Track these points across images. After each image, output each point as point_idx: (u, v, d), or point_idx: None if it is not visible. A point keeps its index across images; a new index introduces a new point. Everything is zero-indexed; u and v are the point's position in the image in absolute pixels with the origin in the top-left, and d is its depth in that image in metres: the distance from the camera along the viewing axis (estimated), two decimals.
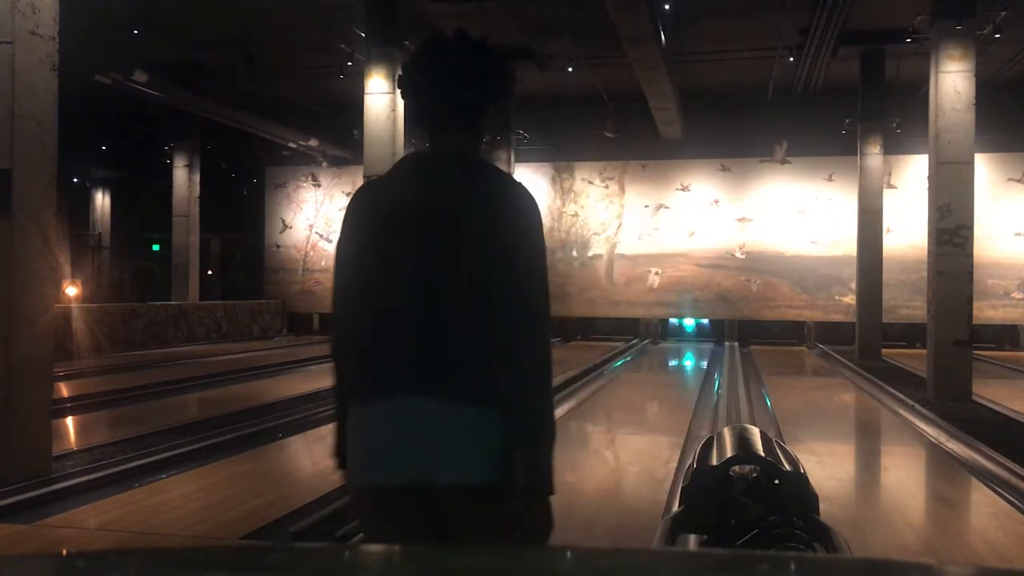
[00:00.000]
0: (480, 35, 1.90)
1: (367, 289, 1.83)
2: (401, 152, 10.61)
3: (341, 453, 1.89)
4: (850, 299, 16.40)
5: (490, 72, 1.88)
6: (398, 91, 1.95)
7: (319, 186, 19.86)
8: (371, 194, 1.95)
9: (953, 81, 8.92)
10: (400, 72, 1.95)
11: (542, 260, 1.81)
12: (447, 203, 1.80)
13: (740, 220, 17.79)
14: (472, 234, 1.76)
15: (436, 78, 1.86)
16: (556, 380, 10.43)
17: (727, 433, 2.85)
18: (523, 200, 1.80)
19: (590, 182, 18.30)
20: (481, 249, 1.75)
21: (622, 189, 18.24)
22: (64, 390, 9.04)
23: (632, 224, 18.19)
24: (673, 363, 15.30)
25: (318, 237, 19.84)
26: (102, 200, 22.60)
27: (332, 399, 1.96)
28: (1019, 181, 16.71)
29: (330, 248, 19.60)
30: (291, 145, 18.09)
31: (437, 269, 1.77)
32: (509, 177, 1.89)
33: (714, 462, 2.53)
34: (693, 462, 2.69)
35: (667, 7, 12.11)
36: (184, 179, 17.76)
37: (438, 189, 1.83)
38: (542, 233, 1.82)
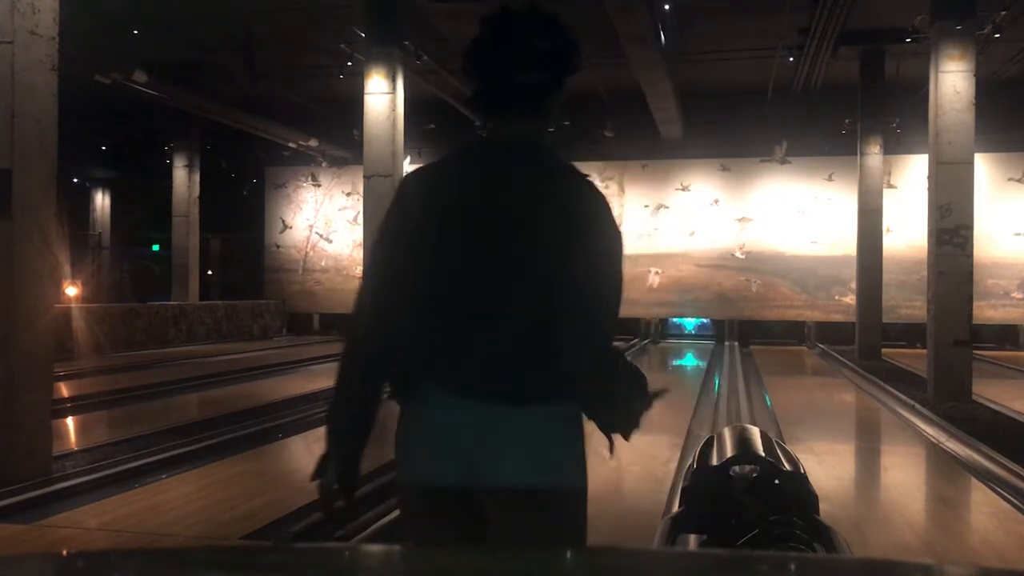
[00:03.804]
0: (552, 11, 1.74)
1: (425, 282, 1.70)
2: (401, 152, 10.60)
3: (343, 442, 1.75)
4: (850, 299, 16.39)
5: (562, 50, 1.72)
6: (462, 69, 1.77)
7: (319, 186, 19.85)
8: (429, 181, 1.77)
9: (953, 81, 8.91)
10: (465, 47, 1.76)
11: (616, 259, 1.71)
12: (512, 196, 1.69)
13: (740, 220, 17.80)
14: (540, 231, 1.66)
15: (506, 56, 1.69)
16: None
17: (727, 433, 2.86)
18: (593, 195, 1.70)
19: None
20: (557, 251, 1.64)
21: (622, 189, 18.24)
22: (64, 390, 9.03)
23: (632, 224, 18.18)
24: (673, 363, 15.29)
25: (318, 237, 19.84)
26: (102, 200, 22.61)
27: (341, 384, 1.77)
28: (1019, 181, 16.71)
29: (330, 248, 19.60)
30: (291, 145, 18.09)
31: (504, 267, 1.66)
32: (577, 172, 1.72)
33: (714, 462, 2.53)
34: (693, 462, 2.70)
35: (667, 7, 12.11)
36: (184, 179, 17.76)
37: (508, 181, 1.70)
38: (619, 232, 1.71)
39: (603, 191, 1.73)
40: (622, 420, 1.73)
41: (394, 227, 1.74)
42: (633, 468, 6.04)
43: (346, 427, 1.76)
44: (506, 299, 1.66)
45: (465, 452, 1.66)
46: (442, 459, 1.68)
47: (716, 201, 17.88)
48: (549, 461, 1.69)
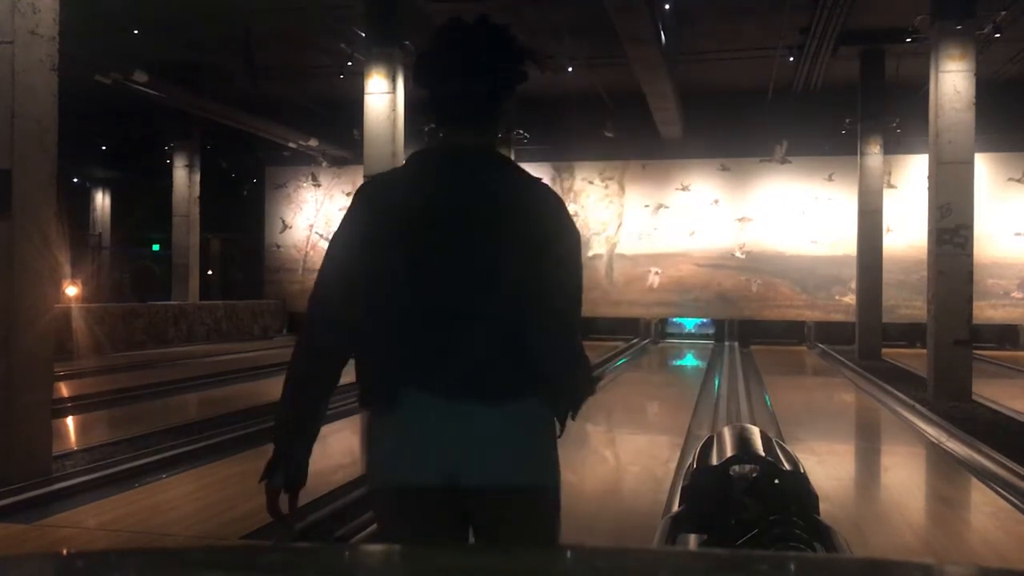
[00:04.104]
0: (501, 21, 1.80)
1: (391, 286, 1.72)
2: (401, 152, 10.60)
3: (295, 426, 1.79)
4: (850, 299, 16.39)
5: (511, 60, 1.79)
6: (415, 79, 1.83)
7: (319, 186, 19.86)
8: (387, 189, 1.82)
9: (953, 81, 8.91)
10: (416, 59, 1.84)
11: (579, 258, 1.79)
12: (477, 201, 1.74)
13: (740, 220, 17.80)
14: (508, 234, 1.72)
15: (456, 66, 1.75)
16: None
17: (727, 433, 2.86)
18: (553, 197, 1.78)
19: (590, 182, 18.29)
20: (523, 252, 1.71)
21: (622, 189, 18.24)
22: (64, 390, 9.03)
23: (632, 224, 18.19)
24: (673, 363, 15.29)
25: (318, 237, 19.83)
26: (102, 200, 22.61)
27: (294, 385, 1.79)
28: (1019, 181, 16.71)
29: None
30: (291, 145, 18.09)
31: (474, 270, 1.71)
32: (532, 176, 1.80)
33: (714, 462, 2.53)
34: (693, 462, 2.70)
35: (667, 7, 12.11)
36: (184, 179, 17.76)
37: (466, 186, 1.76)
38: (577, 230, 1.80)
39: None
40: (572, 404, 1.79)
41: (356, 232, 1.76)
42: (633, 468, 6.04)
43: (296, 428, 1.78)
44: (478, 301, 1.70)
45: (445, 453, 1.68)
46: (423, 462, 1.70)
47: (716, 201, 17.88)
48: (527, 460, 1.73)
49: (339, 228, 1.79)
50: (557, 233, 1.74)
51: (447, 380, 1.68)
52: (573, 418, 1.81)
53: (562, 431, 1.81)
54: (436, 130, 1.83)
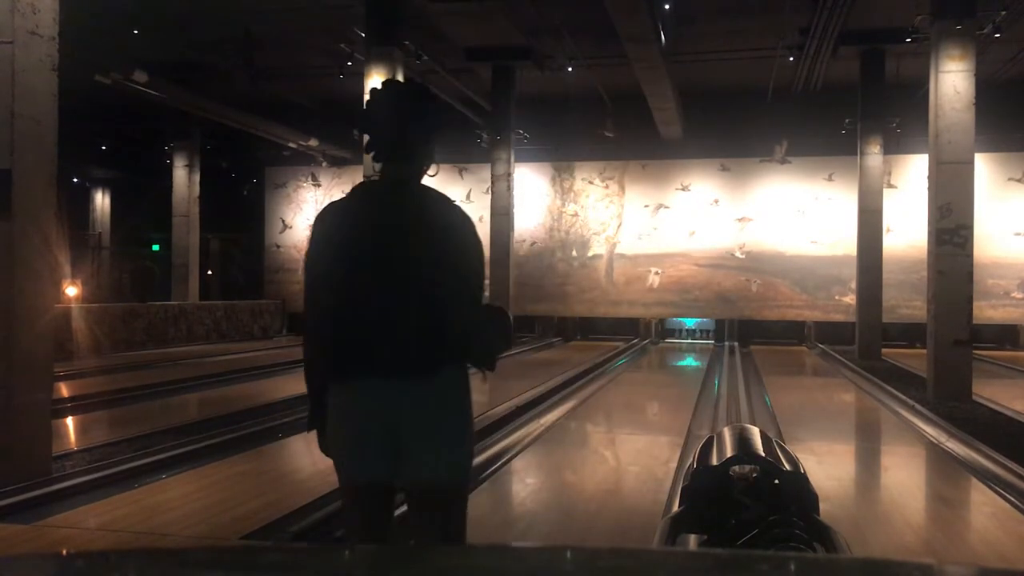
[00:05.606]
0: (420, 81, 2.48)
1: (342, 293, 2.24)
2: None
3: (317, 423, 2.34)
4: (850, 299, 16.40)
5: (432, 112, 2.38)
6: (357, 126, 2.45)
7: (319, 186, 19.86)
8: (337, 214, 2.34)
9: (953, 81, 8.91)
10: (360, 111, 2.40)
11: (482, 256, 2.37)
12: (403, 220, 2.27)
13: (740, 220, 17.80)
14: (425, 242, 2.25)
15: (387, 118, 2.33)
16: (556, 380, 10.25)
17: (727, 433, 2.85)
18: (461, 215, 2.33)
19: (590, 182, 18.30)
20: (435, 253, 2.25)
21: (622, 189, 18.25)
22: (64, 390, 9.03)
23: (632, 224, 18.20)
24: (673, 363, 15.29)
25: None
26: (102, 200, 22.61)
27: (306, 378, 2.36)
28: (1019, 181, 16.71)
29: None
30: (291, 145, 18.09)
31: (401, 271, 2.23)
32: (447, 197, 2.36)
33: (714, 462, 2.53)
34: (693, 462, 2.69)
35: (667, 7, 12.11)
36: (184, 179, 17.76)
37: (395, 209, 2.30)
38: (478, 237, 2.35)
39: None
40: (489, 359, 2.34)
41: (317, 250, 2.31)
42: (633, 468, 6.04)
43: (315, 402, 2.35)
44: (406, 295, 2.22)
45: (390, 417, 2.16)
46: (370, 427, 2.18)
47: (716, 201, 17.88)
48: (452, 412, 2.22)
49: (307, 249, 2.34)
50: (461, 238, 2.29)
51: (386, 357, 2.19)
52: (491, 370, 2.35)
53: (485, 378, 2.37)
54: (376, 163, 2.37)
